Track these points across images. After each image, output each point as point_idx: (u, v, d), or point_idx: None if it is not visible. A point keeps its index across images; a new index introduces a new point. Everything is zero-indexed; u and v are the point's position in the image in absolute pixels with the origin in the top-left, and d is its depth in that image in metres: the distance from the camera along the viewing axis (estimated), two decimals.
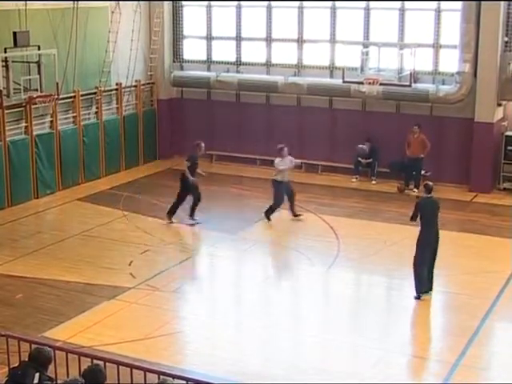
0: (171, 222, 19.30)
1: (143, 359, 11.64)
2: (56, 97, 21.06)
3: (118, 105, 24.46)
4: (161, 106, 26.13)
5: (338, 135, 23.96)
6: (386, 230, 18.94)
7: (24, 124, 21.15)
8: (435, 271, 14.83)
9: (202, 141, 19.70)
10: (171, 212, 19.39)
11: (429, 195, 14.88)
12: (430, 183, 15.12)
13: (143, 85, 25.44)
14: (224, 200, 21.50)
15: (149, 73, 25.67)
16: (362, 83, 22.19)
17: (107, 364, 8.78)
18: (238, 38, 25.28)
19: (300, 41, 24.43)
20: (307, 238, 18.35)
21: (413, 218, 14.87)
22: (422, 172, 22.39)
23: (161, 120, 26.10)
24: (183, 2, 25.87)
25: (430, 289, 14.86)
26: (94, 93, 23.42)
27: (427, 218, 14.63)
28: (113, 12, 23.64)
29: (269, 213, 19.37)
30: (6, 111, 20.31)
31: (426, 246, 14.57)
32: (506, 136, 22.18)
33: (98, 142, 23.54)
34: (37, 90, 20.57)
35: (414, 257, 14.66)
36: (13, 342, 9.79)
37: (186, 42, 26.18)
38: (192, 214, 19.34)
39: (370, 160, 23.16)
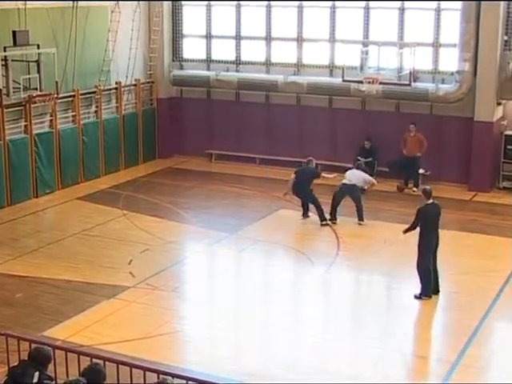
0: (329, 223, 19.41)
1: (143, 358, 11.61)
2: (55, 96, 21.06)
3: (118, 104, 24.45)
4: (160, 105, 26.12)
5: (338, 134, 23.97)
6: (385, 229, 18.93)
7: (23, 123, 21.14)
8: None
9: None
10: (323, 215, 19.40)
11: (429, 201, 14.64)
12: (428, 188, 14.91)
13: (143, 84, 25.43)
14: (223, 199, 21.50)
15: (148, 72, 25.67)
16: (361, 82, 22.19)
17: (107, 363, 8.77)
18: (238, 37, 25.27)
19: (299, 40, 24.42)
20: (307, 238, 18.35)
21: (414, 227, 14.68)
22: (421, 171, 22.41)
23: (160, 119, 26.10)
24: (183, 2, 25.85)
25: (437, 291, 14.87)
26: (94, 92, 23.41)
27: (430, 224, 14.52)
28: (112, 11, 23.62)
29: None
30: (5, 110, 20.30)
31: (429, 250, 14.51)
32: (506, 135, 22.19)
33: (98, 141, 23.54)
34: (36, 89, 20.57)
35: (419, 262, 14.61)
36: (12, 341, 9.79)
37: (185, 41, 26.18)
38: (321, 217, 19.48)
39: (370, 159, 23.14)
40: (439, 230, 14.75)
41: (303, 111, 24.50)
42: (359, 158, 23.21)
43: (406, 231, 14.94)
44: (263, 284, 16.21)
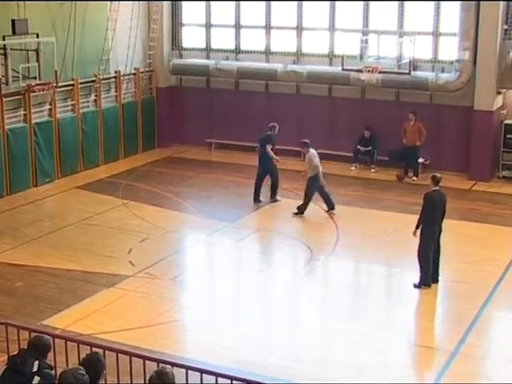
0: (260, 201, 20.04)
1: (142, 347, 11.65)
2: (55, 85, 21.04)
3: (117, 93, 24.42)
4: (160, 94, 26.08)
5: (338, 123, 23.94)
6: (385, 218, 18.94)
7: (23, 112, 21.11)
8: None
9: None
10: (257, 194, 20.07)
11: (436, 187, 14.58)
12: (438, 175, 14.73)
13: (142, 73, 25.39)
14: (223, 188, 21.49)
15: (148, 61, 25.62)
16: (361, 71, 22.16)
17: (106, 352, 8.77)
18: (237, 26, 25.22)
19: (299, 28, 24.36)
20: (306, 227, 18.35)
21: (422, 216, 14.55)
22: (420, 160, 22.42)
23: (160, 108, 26.06)
24: None
25: (436, 280, 14.86)
26: (93, 81, 23.38)
27: (434, 211, 14.46)
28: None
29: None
30: (4, 99, 20.28)
31: (430, 238, 14.49)
32: (506, 124, 22.16)
33: (97, 130, 23.52)
34: (35, 78, 20.56)
35: (419, 249, 14.60)
36: (12, 330, 9.79)
37: (184, 30, 26.12)
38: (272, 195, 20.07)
39: (370, 148, 23.15)
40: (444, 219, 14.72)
41: (303, 100, 24.47)
42: (359, 147, 23.25)
43: (417, 227, 14.66)
44: (262, 273, 16.20)
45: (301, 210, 18.98)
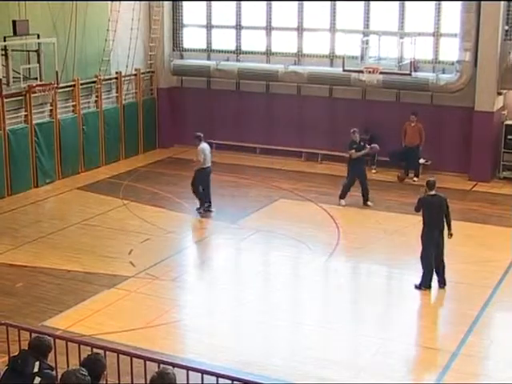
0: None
1: (143, 348, 11.66)
2: (55, 85, 21.05)
3: (118, 93, 24.43)
4: (160, 95, 26.09)
5: (338, 124, 23.92)
6: (386, 218, 18.93)
7: (24, 113, 21.12)
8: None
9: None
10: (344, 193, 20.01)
11: (432, 192, 14.45)
12: (432, 179, 14.62)
13: (143, 73, 25.39)
14: (224, 189, 21.46)
15: (148, 61, 25.63)
16: (362, 72, 22.14)
17: (107, 353, 8.78)
18: (238, 27, 25.22)
19: (300, 29, 24.37)
20: (307, 227, 18.34)
21: (416, 210, 14.64)
22: (421, 161, 22.40)
23: (160, 109, 26.07)
24: None
25: (444, 284, 14.70)
26: (94, 81, 23.38)
27: (431, 216, 14.37)
28: (113, 0, 23.57)
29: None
30: (5, 100, 20.28)
31: (430, 242, 14.37)
32: (506, 125, 22.16)
33: (98, 130, 23.52)
34: (36, 78, 20.58)
35: (422, 253, 14.51)
36: (13, 330, 9.78)
37: (185, 31, 26.13)
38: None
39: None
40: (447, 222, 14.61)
41: (303, 101, 24.47)
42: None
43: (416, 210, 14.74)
44: (263, 274, 16.21)
45: (200, 207, 19.22)
